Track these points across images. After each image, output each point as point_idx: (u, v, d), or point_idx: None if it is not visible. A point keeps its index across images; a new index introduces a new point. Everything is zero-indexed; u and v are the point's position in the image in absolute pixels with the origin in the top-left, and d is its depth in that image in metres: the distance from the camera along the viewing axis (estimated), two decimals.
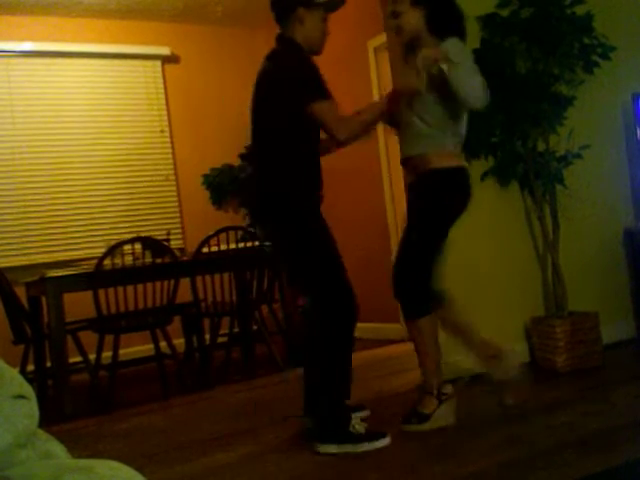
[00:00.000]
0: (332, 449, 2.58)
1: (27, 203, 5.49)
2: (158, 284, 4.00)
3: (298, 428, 2.91)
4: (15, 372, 1.20)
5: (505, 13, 3.58)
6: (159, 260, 4.08)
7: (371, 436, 2.60)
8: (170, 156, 5.97)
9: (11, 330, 4.10)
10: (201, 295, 4.44)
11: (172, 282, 4.06)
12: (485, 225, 3.64)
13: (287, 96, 2.64)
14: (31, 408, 1.15)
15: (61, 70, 5.72)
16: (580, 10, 3.53)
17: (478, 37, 3.58)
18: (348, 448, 2.57)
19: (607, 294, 3.89)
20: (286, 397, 3.68)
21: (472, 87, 2.56)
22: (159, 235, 4.78)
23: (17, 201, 5.46)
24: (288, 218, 2.70)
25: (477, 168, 3.60)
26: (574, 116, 3.65)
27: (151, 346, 4.16)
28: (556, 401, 2.94)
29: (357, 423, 2.64)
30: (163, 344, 4.13)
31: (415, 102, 2.71)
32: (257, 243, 4.30)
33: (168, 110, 6.06)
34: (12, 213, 5.43)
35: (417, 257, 2.77)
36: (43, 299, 4.10)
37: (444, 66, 2.54)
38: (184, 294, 4.41)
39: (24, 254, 5.42)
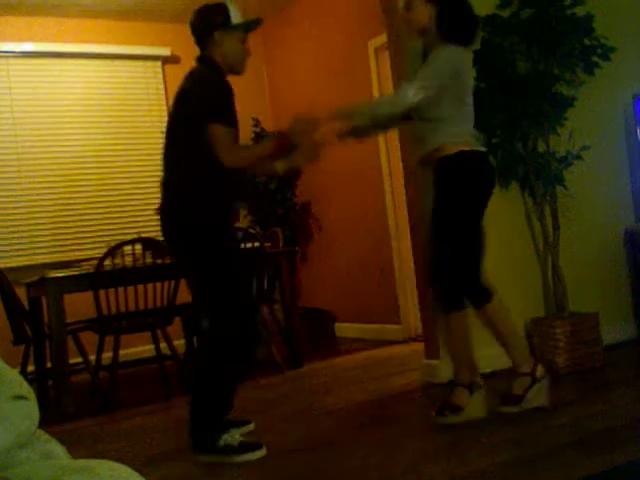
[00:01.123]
0: (203, 458, 2.64)
1: (27, 204, 5.49)
2: (159, 285, 4.00)
3: (299, 427, 2.92)
4: (15, 372, 1.20)
5: (505, 14, 3.58)
6: (159, 261, 4.08)
7: (245, 448, 2.63)
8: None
9: (12, 330, 4.10)
10: None
11: (172, 283, 4.06)
12: (485, 226, 3.62)
13: (193, 114, 2.69)
14: (31, 408, 1.15)
15: (61, 71, 5.72)
16: (580, 11, 3.53)
17: (479, 37, 3.58)
18: (219, 459, 2.62)
19: (607, 295, 3.88)
20: (287, 396, 3.69)
21: (385, 106, 2.79)
22: (159, 236, 4.77)
23: (17, 202, 5.46)
24: (188, 234, 2.73)
25: None
26: (574, 117, 3.64)
27: (151, 347, 4.16)
28: (556, 401, 2.93)
29: (230, 436, 2.65)
30: (163, 345, 4.13)
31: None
32: (257, 244, 4.30)
33: (169, 111, 6.05)
34: (12, 214, 5.43)
35: (451, 249, 2.77)
36: (44, 299, 4.10)
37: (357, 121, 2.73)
38: (184, 295, 4.40)
39: (24, 255, 5.42)
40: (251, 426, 2.97)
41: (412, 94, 2.65)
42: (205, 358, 2.77)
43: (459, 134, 2.76)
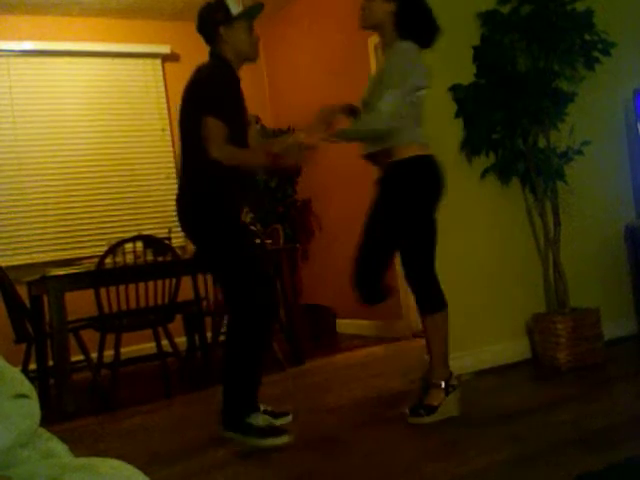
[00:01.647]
0: (235, 436, 2.76)
1: (28, 202, 5.49)
2: (160, 282, 4.00)
3: (300, 425, 2.92)
4: (16, 371, 1.20)
5: (505, 10, 3.58)
6: (160, 258, 4.08)
7: (270, 432, 2.73)
8: (171, 154, 5.97)
9: (13, 329, 4.10)
10: (202, 293, 4.45)
11: (173, 280, 4.06)
12: (486, 222, 3.64)
13: (195, 107, 2.76)
14: (32, 407, 1.15)
15: (61, 69, 5.72)
16: (580, 6, 3.53)
17: (478, 34, 3.58)
18: (251, 440, 2.72)
19: (608, 290, 3.88)
20: (288, 394, 3.69)
21: (368, 132, 2.78)
22: (160, 233, 4.78)
23: (18, 200, 5.46)
24: (204, 224, 2.82)
25: (478, 165, 3.60)
26: (575, 112, 3.64)
27: (153, 345, 4.16)
28: (557, 398, 2.94)
29: (259, 418, 2.77)
30: (165, 342, 4.14)
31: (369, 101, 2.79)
32: (258, 240, 4.30)
33: (169, 108, 6.05)
34: (13, 212, 5.44)
35: (416, 255, 2.84)
36: (45, 298, 4.11)
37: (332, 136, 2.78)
38: (185, 292, 4.41)
39: (26, 253, 5.42)
40: (289, 418, 3.02)
41: (388, 113, 2.66)
42: (235, 336, 2.82)
43: (412, 135, 2.78)
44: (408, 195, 2.80)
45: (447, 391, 2.81)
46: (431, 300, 2.85)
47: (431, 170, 2.80)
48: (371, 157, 2.90)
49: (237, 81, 2.83)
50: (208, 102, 2.71)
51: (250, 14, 2.87)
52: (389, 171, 2.83)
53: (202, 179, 2.81)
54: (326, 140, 2.79)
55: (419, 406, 2.81)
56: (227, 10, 2.80)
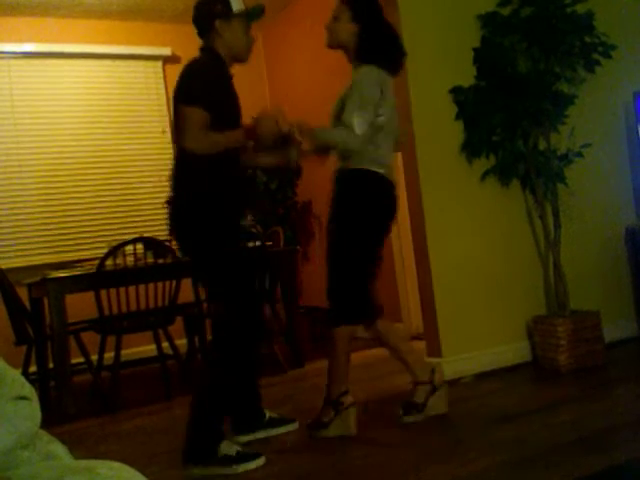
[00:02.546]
0: (197, 470, 2.53)
1: (29, 204, 5.49)
2: (160, 284, 4.00)
3: (301, 427, 2.92)
4: (17, 373, 1.20)
5: (506, 12, 3.58)
6: (161, 260, 4.08)
7: (243, 457, 2.56)
8: (171, 156, 5.94)
9: (13, 331, 4.10)
10: (203, 295, 4.44)
11: (174, 282, 4.06)
12: (486, 224, 3.64)
13: (177, 99, 2.66)
14: (33, 409, 1.15)
15: (62, 71, 5.72)
16: (581, 8, 3.53)
17: (478, 36, 3.58)
18: (216, 470, 2.52)
19: (609, 293, 3.88)
20: (288, 396, 3.69)
21: (339, 144, 2.76)
22: (161, 235, 4.78)
23: (19, 202, 5.46)
24: (194, 225, 2.68)
25: (478, 167, 3.60)
26: (575, 115, 3.64)
27: (153, 347, 4.16)
28: (557, 400, 2.94)
29: (228, 446, 2.57)
30: (165, 345, 4.13)
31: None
32: (258, 243, 4.30)
33: (169, 110, 6.05)
34: (14, 214, 5.44)
35: (347, 264, 2.81)
36: (45, 300, 4.11)
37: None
38: (186, 294, 4.41)
39: (26, 255, 5.42)
40: (295, 425, 2.97)
41: (362, 135, 2.68)
42: (214, 356, 2.70)
43: (374, 158, 2.78)
44: (352, 205, 2.80)
45: (337, 410, 2.78)
46: (341, 314, 2.81)
47: (384, 188, 2.80)
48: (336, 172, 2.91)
49: (228, 77, 2.71)
50: (186, 92, 2.60)
51: (250, 14, 2.78)
52: (344, 177, 2.83)
53: (197, 181, 2.68)
54: (296, 127, 2.71)
55: (408, 406, 2.86)
56: (228, 4, 2.70)
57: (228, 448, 2.57)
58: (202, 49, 2.77)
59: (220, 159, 2.63)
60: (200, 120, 2.55)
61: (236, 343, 2.64)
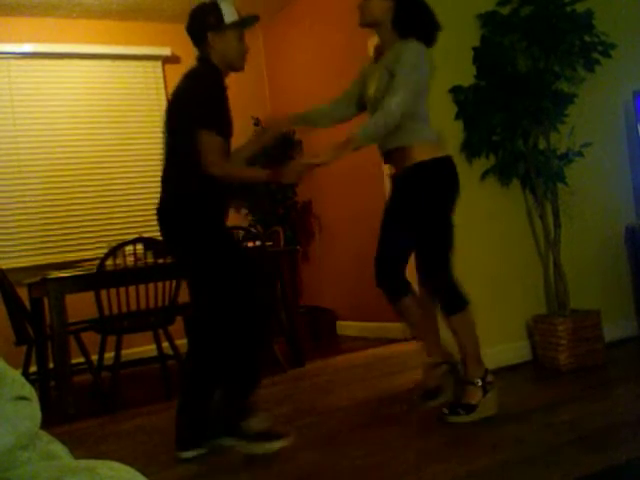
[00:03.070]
0: (228, 442, 2.65)
1: (30, 204, 5.50)
2: (160, 284, 4.00)
3: (301, 426, 2.92)
4: (17, 373, 1.20)
5: (505, 11, 3.58)
6: (161, 260, 4.08)
7: (266, 436, 2.63)
8: None
9: (13, 331, 4.10)
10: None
11: (174, 282, 4.06)
12: (486, 224, 3.64)
13: (186, 116, 2.69)
14: (33, 409, 1.15)
15: (62, 71, 5.72)
16: (580, 7, 3.53)
17: (478, 35, 3.58)
18: (243, 444, 2.64)
19: (609, 292, 3.88)
20: (288, 395, 3.69)
21: (380, 132, 2.70)
22: (160, 236, 4.77)
23: (19, 202, 5.46)
24: (184, 229, 2.74)
25: (478, 167, 3.60)
26: (575, 114, 3.64)
27: (153, 347, 4.16)
28: (558, 399, 2.94)
29: (256, 422, 2.66)
30: (165, 345, 4.13)
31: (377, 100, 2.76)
32: (258, 243, 4.30)
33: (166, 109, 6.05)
34: (15, 214, 5.44)
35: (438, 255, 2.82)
36: (45, 300, 4.11)
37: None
38: (186, 294, 4.40)
39: (26, 255, 5.42)
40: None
41: (399, 110, 2.64)
42: (233, 338, 2.75)
43: (426, 135, 2.79)
44: (426, 198, 2.78)
45: (485, 389, 2.78)
46: (452, 300, 2.83)
47: (448, 172, 2.80)
48: (386, 155, 2.89)
49: (225, 90, 2.73)
50: (202, 114, 2.63)
51: (242, 25, 2.78)
52: (408, 172, 2.80)
53: (188, 182, 2.72)
54: (341, 155, 2.72)
55: (457, 405, 2.78)
56: (220, 15, 2.70)
57: (256, 424, 2.65)
58: (199, 59, 2.79)
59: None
60: (221, 147, 2.64)
61: (252, 324, 2.69)
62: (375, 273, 2.90)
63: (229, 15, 2.72)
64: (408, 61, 2.68)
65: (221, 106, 2.69)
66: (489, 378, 2.81)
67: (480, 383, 2.78)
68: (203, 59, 2.77)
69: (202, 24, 2.72)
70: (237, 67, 2.80)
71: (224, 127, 2.70)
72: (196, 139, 2.62)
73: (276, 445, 2.62)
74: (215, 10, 2.71)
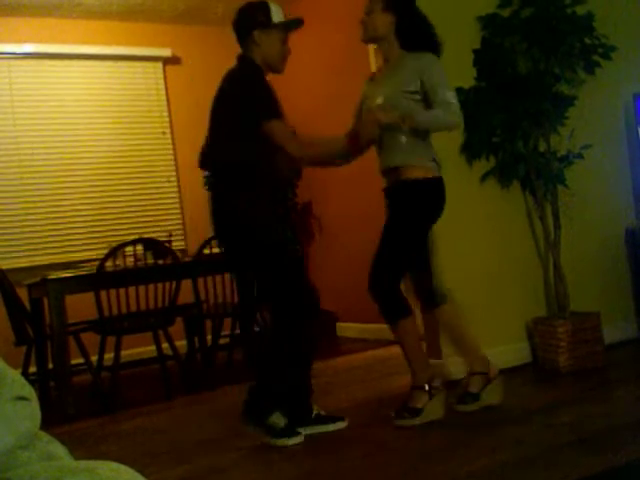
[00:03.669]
0: (251, 429, 2.76)
1: (30, 205, 5.50)
2: (160, 285, 4.00)
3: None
4: (17, 373, 1.20)
5: (506, 13, 3.58)
6: (161, 261, 4.08)
7: (284, 432, 2.71)
8: (172, 158, 5.97)
9: (13, 331, 4.11)
10: (203, 296, 4.45)
11: (174, 283, 4.06)
12: (486, 225, 3.64)
13: (240, 115, 2.71)
14: (33, 410, 1.15)
15: (62, 72, 5.72)
16: (581, 10, 3.53)
17: (479, 37, 3.58)
18: (261, 435, 2.74)
19: (609, 294, 3.88)
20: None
21: (441, 123, 2.79)
22: (161, 236, 4.78)
23: (19, 203, 5.46)
24: (243, 233, 2.77)
25: (478, 168, 3.60)
26: (575, 116, 3.64)
27: (153, 347, 4.16)
28: (557, 401, 2.94)
29: (278, 417, 2.73)
30: (165, 345, 4.14)
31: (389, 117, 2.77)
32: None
33: (169, 112, 6.06)
34: (15, 215, 5.44)
35: (391, 262, 2.85)
36: (45, 300, 4.11)
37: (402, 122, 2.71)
38: (186, 295, 4.41)
39: (26, 256, 5.42)
40: (344, 423, 2.91)
41: (458, 117, 2.72)
42: (278, 334, 2.82)
43: (426, 155, 2.83)
44: (410, 212, 2.84)
45: (431, 394, 2.81)
46: (393, 308, 2.83)
47: (439, 194, 2.84)
48: (387, 173, 2.94)
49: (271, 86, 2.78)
50: (262, 108, 2.68)
51: (289, 26, 2.84)
52: (399, 187, 2.85)
53: (243, 191, 2.75)
54: (397, 120, 2.71)
55: (403, 409, 2.82)
56: (268, 14, 2.75)
57: (278, 420, 2.72)
58: (240, 58, 2.82)
59: (256, 165, 2.75)
60: (290, 130, 2.72)
61: (295, 322, 2.77)
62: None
63: (277, 16, 2.77)
64: (441, 75, 2.77)
65: (274, 98, 2.73)
66: (436, 383, 2.85)
67: (426, 388, 2.82)
68: (244, 58, 2.80)
69: (251, 20, 2.76)
70: (277, 68, 2.85)
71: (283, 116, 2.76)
72: (250, 138, 2.68)
73: (290, 441, 2.70)
74: (265, 8, 2.76)
